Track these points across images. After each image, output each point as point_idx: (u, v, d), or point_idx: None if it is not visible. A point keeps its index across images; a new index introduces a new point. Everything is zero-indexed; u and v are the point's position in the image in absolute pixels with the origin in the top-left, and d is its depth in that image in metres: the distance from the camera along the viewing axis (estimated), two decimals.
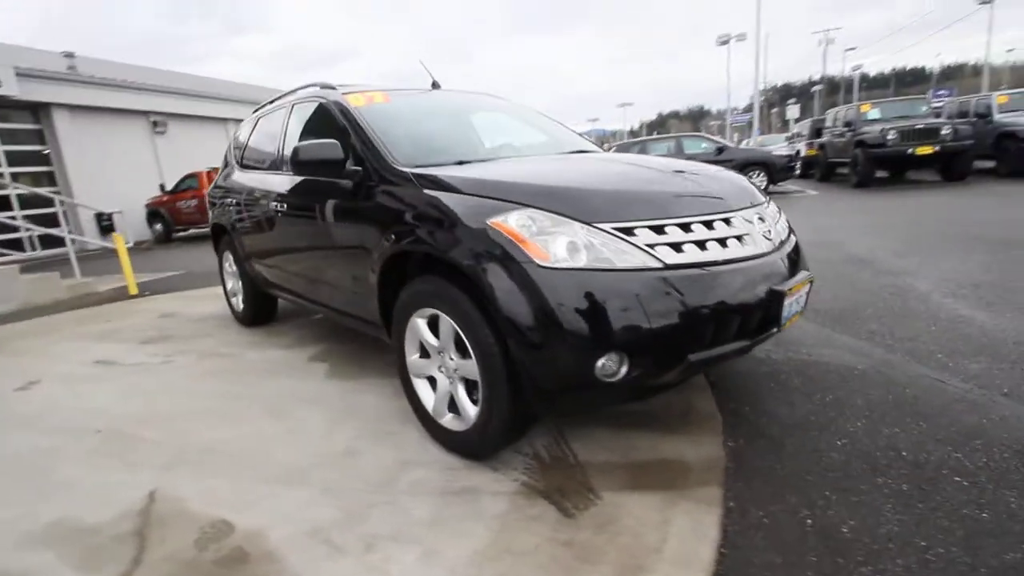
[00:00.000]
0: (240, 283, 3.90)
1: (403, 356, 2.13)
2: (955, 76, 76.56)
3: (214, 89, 17.18)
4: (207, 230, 4.97)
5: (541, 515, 1.65)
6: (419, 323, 2.01)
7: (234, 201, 3.59)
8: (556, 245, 1.60)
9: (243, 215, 3.50)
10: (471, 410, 1.88)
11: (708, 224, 1.77)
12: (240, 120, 4.19)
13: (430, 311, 1.93)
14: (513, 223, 1.66)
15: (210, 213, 4.16)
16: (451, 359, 1.93)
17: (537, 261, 1.58)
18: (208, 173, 11.87)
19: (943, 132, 9.41)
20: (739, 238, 1.80)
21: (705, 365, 1.67)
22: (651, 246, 1.63)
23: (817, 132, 13.87)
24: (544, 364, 1.59)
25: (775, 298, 1.74)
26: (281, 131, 3.09)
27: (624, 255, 1.59)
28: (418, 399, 2.13)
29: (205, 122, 16.44)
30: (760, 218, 1.95)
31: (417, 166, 2.14)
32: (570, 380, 1.60)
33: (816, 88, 48.89)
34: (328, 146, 2.26)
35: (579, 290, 1.54)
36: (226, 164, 4.03)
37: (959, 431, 1.92)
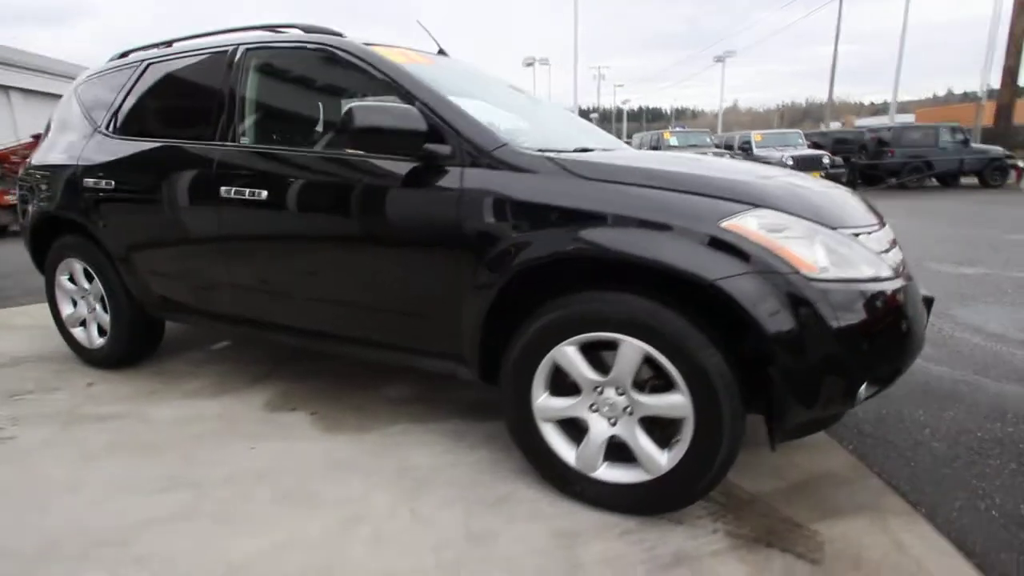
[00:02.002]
0: (102, 305, 2.63)
1: (522, 398, 1.64)
2: (681, 117, 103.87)
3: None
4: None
5: (790, 568, 1.40)
6: (570, 353, 1.55)
7: (105, 183, 2.39)
8: (816, 253, 1.36)
9: (131, 201, 2.36)
10: (659, 457, 1.51)
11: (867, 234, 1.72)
12: None
13: (594, 336, 1.50)
14: (756, 226, 1.37)
15: (29, 205, 2.73)
16: (618, 395, 1.54)
17: (803, 272, 1.33)
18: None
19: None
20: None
21: None
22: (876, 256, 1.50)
23: None
24: (813, 389, 1.35)
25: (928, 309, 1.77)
26: (226, 88, 2.14)
27: (866, 264, 1.43)
28: (546, 449, 1.65)
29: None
30: None
31: (537, 150, 1.66)
32: (833, 405, 1.39)
33: (593, 115, 56.93)
34: (404, 112, 1.62)
35: (854, 305, 1.34)
36: (59, 132, 2.69)
37: None
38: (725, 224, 1.37)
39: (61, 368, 2.78)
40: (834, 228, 1.43)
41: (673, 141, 13.14)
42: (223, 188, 2.03)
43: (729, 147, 13.82)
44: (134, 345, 2.66)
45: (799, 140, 12.79)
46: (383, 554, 1.47)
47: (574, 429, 1.67)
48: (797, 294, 1.32)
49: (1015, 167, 12.40)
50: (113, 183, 2.35)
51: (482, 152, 1.65)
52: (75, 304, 2.78)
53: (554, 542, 1.50)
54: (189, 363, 2.85)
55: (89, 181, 2.43)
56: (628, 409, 1.55)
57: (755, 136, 13.22)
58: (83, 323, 2.76)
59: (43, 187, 2.68)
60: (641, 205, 1.45)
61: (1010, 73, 14.16)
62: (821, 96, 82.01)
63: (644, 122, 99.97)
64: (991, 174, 12.29)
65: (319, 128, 2.23)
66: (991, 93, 17.38)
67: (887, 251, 1.55)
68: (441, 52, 2.52)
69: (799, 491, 1.73)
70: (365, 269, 1.86)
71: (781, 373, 1.34)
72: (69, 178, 2.52)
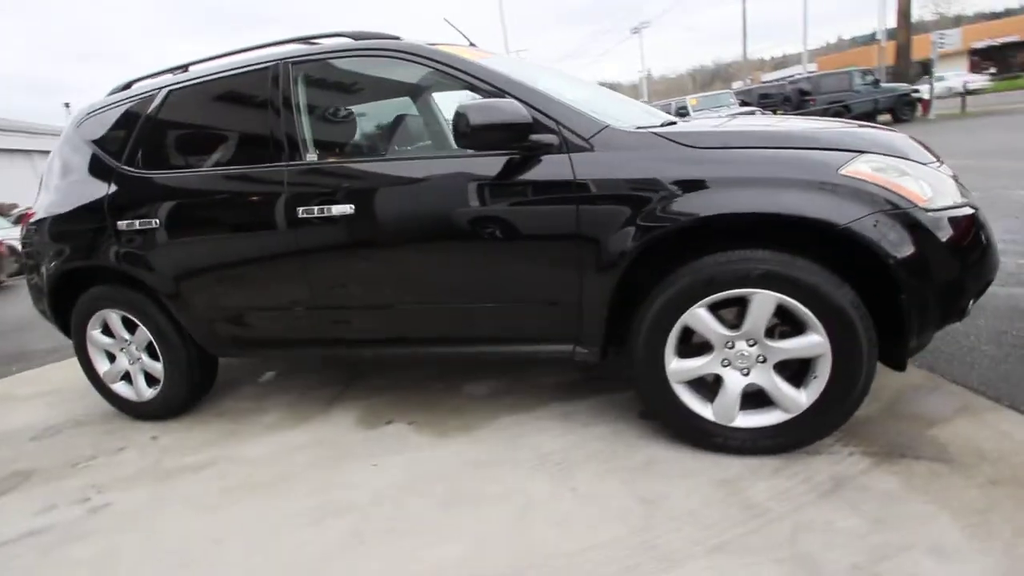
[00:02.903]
0: (148, 354, 2.48)
1: (656, 364, 1.73)
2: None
3: None
4: None
5: (932, 471, 1.58)
6: (701, 314, 1.65)
7: (144, 223, 2.23)
8: (923, 187, 1.52)
9: (182, 238, 2.24)
10: (799, 396, 1.65)
11: None
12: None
13: (726, 295, 1.61)
14: (870, 169, 1.51)
15: (41, 265, 2.51)
16: (749, 347, 1.66)
17: (919, 204, 1.48)
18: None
19: None
20: None
21: None
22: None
23: None
24: (939, 307, 1.52)
25: None
26: (277, 104, 2.05)
27: (952, 192, 1.61)
28: (685, 409, 1.76)
29: None
30: None
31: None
32: (951, 319, 1.58)
33: None
34: (511, 107, 1.64)
35: (958, 228, 1.51)
36: (64, 179, 2.49)
37: None
38: (844, 171, 1.51)
39: (110, 427, 2.60)
40: (924, 164, 1.60)
41: (698, 105, 13.36)
42: (301, 209, 1.97)
43: (667, 110, 14.34)
44: (192, 389, 2.53)
45: (731, 100, 13.46)
46: (574, 533, 1.53)
47: (702, 387, 1.78)
48: (917, 225, 1.48)
49: (921, 100, 13.63)
50: (156, 222, 2.21)
51: (585, 137, 1.70)
52: (112, 358, 2.60)
53: (721, 491, 1.61)
54: (246, 399, 2.74)
55: (123, 224, 2.27)
56: (760, 357, 1.67)
57: (691, 100, 13.78)
58: (125, 377, 2.59)
59: (58, 242, 2.47)
60: (761, 165, 1.56)
61: (904, 16, 15.50)
62: (726, 57, 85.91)
63: None
64: (902, 109, 13.47)
65: (396, 134, 2.19)
66: (889, 34, 18.88)
67: (955, 179, 1.74)
68: (472, 46, 2.52)
69: (898, 407, 1.93)
70: (481, 268, 1.88)
71: (912, 298, 1.50)
72: (96, 225, 2.34)
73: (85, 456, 2.37)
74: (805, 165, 1.54)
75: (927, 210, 1.49)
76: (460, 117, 1.60)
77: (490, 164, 1.77)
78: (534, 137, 1.70)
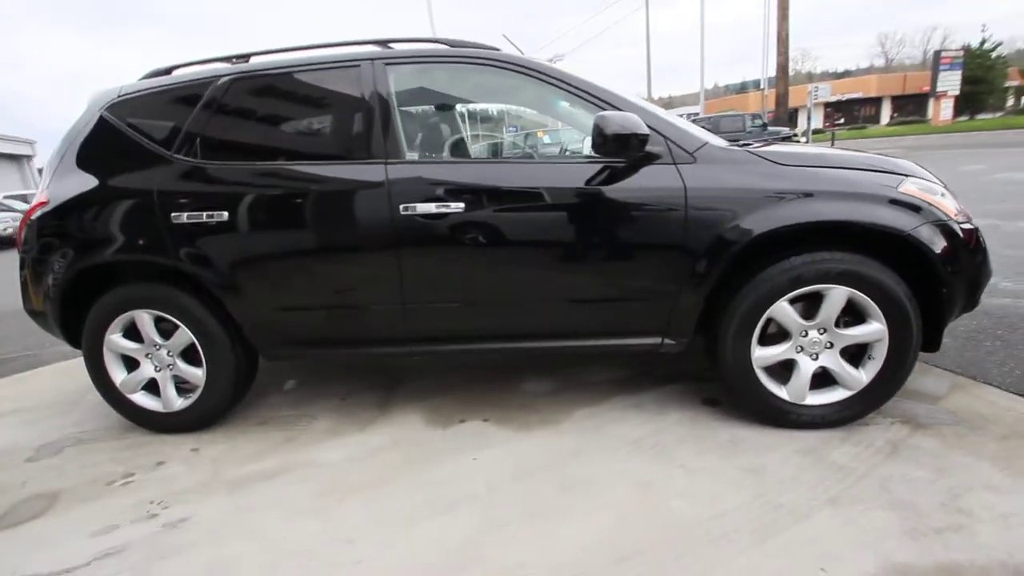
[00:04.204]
0: (183, 359, 2.28)
1: (744, 353, 1.98)
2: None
3: None
4: None
5: (956, 432, 1.96)
6: (786, 307, 1.93)
7: (209, 215, 2.08)
8: (951, 203, 1.93)
9: (258, 234, 2.13)
10: (860, 375, 1.98)
11: None
12: None
13: (808, 290, 1.90)
14: (917, 189, 1.89)
15: (52, 259, 2.21)
16: (819, 335, 1.97)
17: (953, 217, 1.88)
18: None
19: None
20: None
21: None
22: None
23: None
24: (966, 298, 1.93)
25: None
26: (371, 103, 2.04)
27: (960, 210, 2.05)
28: (765, 392, 2.02)
29: None
30: None
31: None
32: (970, 307, 1.98)
33: None
34: (635, 119, 1.82)
35: (973, 236, 1.93)
36: (89, 164, 2.24)
37: None
38: (901, 189, 1.87)
39: (127, 443, 2.34)
40: (944, 188, 2.02)
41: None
42: (403, 206, 1.98)
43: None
44: (234, 396, 2.36)
45: None
46: (701, 503, 1.70)
47: (774, 372, 2.06)
48: (954, 234, 1.87)
49: (798, 142, 15.88)
50: (226, 215, 2.07)
51: (690, 151, 1.93)
52: (131, 366, 2.34)
53: (807, 458, 1.88)
54: (280, 408, 2.60)
55: (182, 216, 2.10)
56: (828, 343, 1.98)
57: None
58: (147, 386, 2.35)
59: (83, 235, 2.20)
60: (840, 182, 1.88)
61: (782, 68, 18.04)
62: None
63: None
64: None
65: (489, 137, 2.26)
66: (756, 84, 21.75)
67: None
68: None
69: (906, 387, 2.33)
70: (589, 267, 2.01)
71: (950, 291, 1.89)
72: (142, 217, 2.13)
73: (116, 473, 2.11)
74: (874, 184, 1.89)
75: (957, 222, 1.90)
76: (601, 125, 1.77)
77: (600, 171, 1.94)
78: (649, 148, 1.90)
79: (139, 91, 2.28)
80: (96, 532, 1.77)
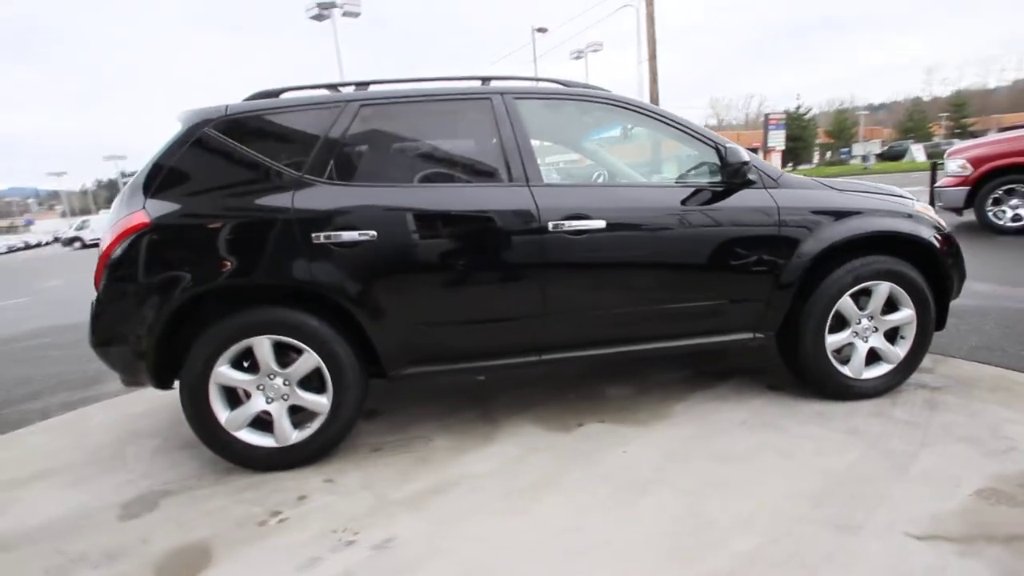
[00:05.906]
0: (303, 387, 2.18)
1: (820, 339, 2.45)
2: None
3: None
4: None
5: (967, 392, 2.59)
6: (848, 300, 2.45)
7: (361, 235, 2.09)
8: (942, 217, 2.62)
9: (406, 253, 2.19)
10: (899, 352, 2.54)
11: None
12: None
13: (863, 286, 2.44)
14: (922, 207, 2.56)
15: (169, 280, 2.02)
16: (868, 321, 2.52)
17: (946, 228, 2.56)
18: None
19: None
20: None
21: None
22: None
23: None
24: (958, 287, 2.59)
25: None
26: (502, 132, 2.24)
27: None
28: (835, 370, 2.51)
29: None
30: None
31: None
32: (957, 295, 2.66)
33: None
34: (742, 150, 2.26)
35: (955, 240, 2.62)
36: (201, 179, 2.12)
37: None
38: (915, 208, 2.51)
39: (240, 485, 2.16)
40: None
41: None
42: (552, 223, 2.18)
43: None
44: (354, 422, 2.27)
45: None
46: (834, 458, 2.09)
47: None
48: (948, 237, 2.55)
49: None
50: (374, 233, 2.09)
51: (775, 177, 2.42)
52: (237, 399, 2.17)
53: (880, 419, 2.37)
54: (379, 434, 2.56)
55: (322, 236, 2.07)
56: (874, 328, 2.53)
57: None
58: (254, 422, 2.18)
59: (204, 256, 2.07)
60: (879, 203, 2.47)
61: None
62: None
63: None
64: None
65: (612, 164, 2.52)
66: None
67: None
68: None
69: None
70: (703, 273, 2.37)
71: (952, 280, 2.54)
72: (277, 236, 2.06)
73: (257, 514, 1.96)
74: (899, 204, 2.51)
75: (946, 230, 2.59)
76: (730, 155, 2.18)
77: (717, 193, 2.34)
78: (748, 176, 2.34)
79: (251, 111, 2.23)
80: (300, 566, 1.65)
